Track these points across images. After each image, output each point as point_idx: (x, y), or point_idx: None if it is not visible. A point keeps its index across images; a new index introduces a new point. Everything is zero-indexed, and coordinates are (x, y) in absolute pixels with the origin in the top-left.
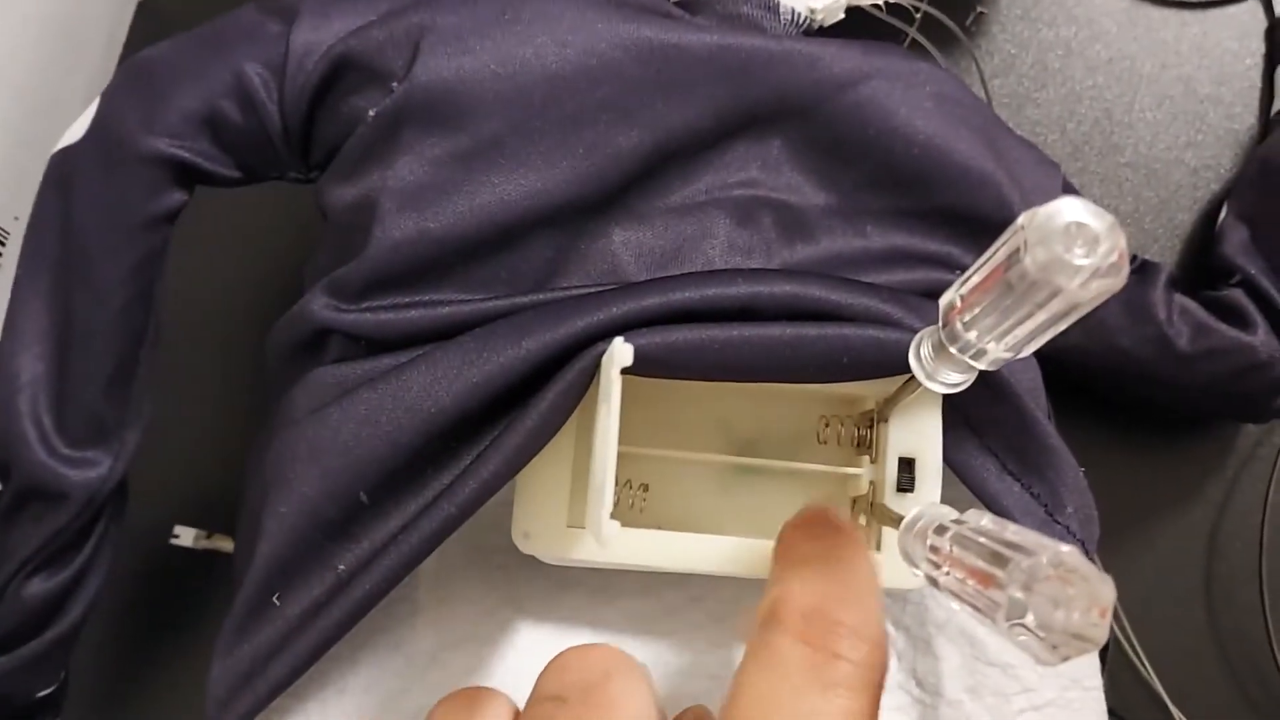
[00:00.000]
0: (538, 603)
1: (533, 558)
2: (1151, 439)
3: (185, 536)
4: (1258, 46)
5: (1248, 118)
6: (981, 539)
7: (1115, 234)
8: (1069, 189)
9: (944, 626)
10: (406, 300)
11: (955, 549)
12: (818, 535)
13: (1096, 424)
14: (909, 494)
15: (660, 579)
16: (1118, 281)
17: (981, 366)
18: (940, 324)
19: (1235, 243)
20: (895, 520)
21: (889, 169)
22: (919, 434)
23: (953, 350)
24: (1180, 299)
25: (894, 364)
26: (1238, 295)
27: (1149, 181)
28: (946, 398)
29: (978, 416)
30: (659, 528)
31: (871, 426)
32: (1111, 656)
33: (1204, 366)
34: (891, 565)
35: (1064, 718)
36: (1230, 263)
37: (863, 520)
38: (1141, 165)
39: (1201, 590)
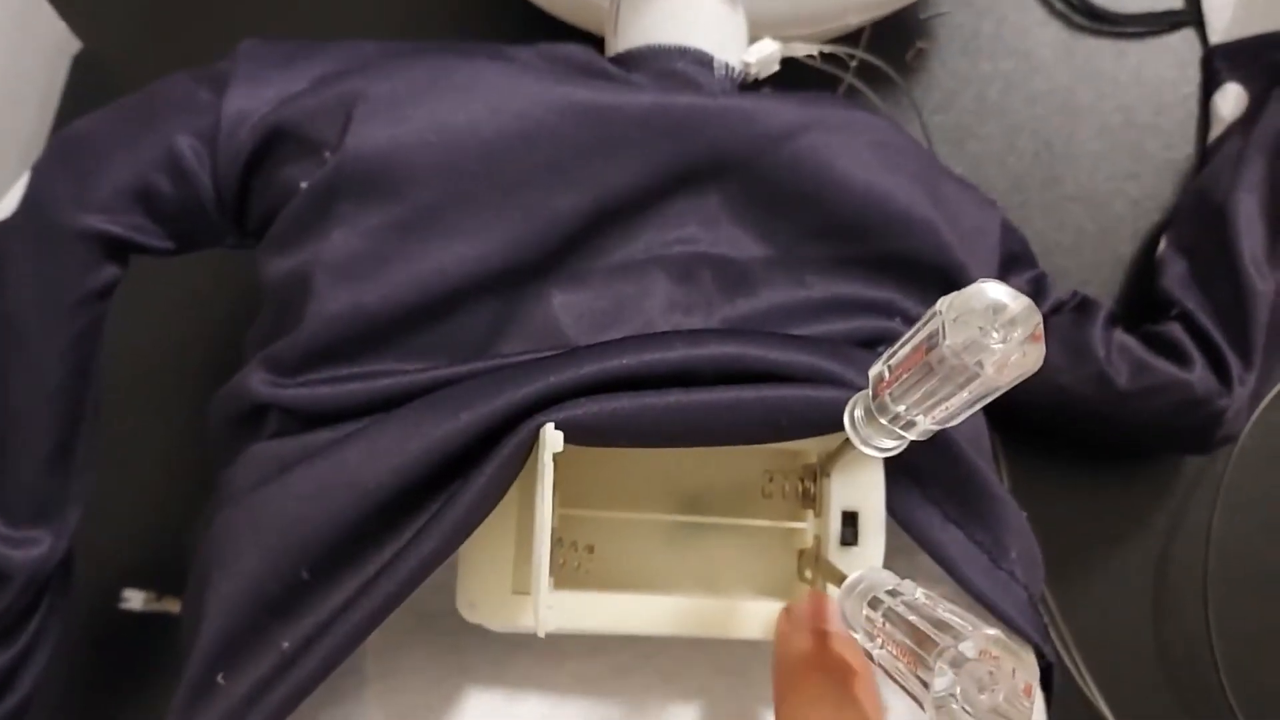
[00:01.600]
0: (486, 668)
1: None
2: (1097, 471)
3: (134, 600)
4: (1194, 75)
5: (1186, 147)
6: (912, 617)
7: (1032, 315)
8: (1007, 227)
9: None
10: (344, 373)
11: (888, 625)
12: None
13: (1043, 457)
14: (853, 548)
15: (610, 638)
16: (1035, 363)
17: (911, 437)
18: (870, 395)
19: (1173, 275)
20: (839, 578)
21: (828, 219)
22: (861, 487)
23: (882, 421)
24: (1119, 336)
25: (831, 424)
26: (1176, 330)
27: (1090, 213)
28: None
29: (919, 468)
30: (605, 588)
31: (815, 479)
32: (1059, 685)
33: (1143, 403)
34: None
35: None
36: (1169, 295)
37: (809, 574)
38: (1083, 196)
39: (1149, 617)
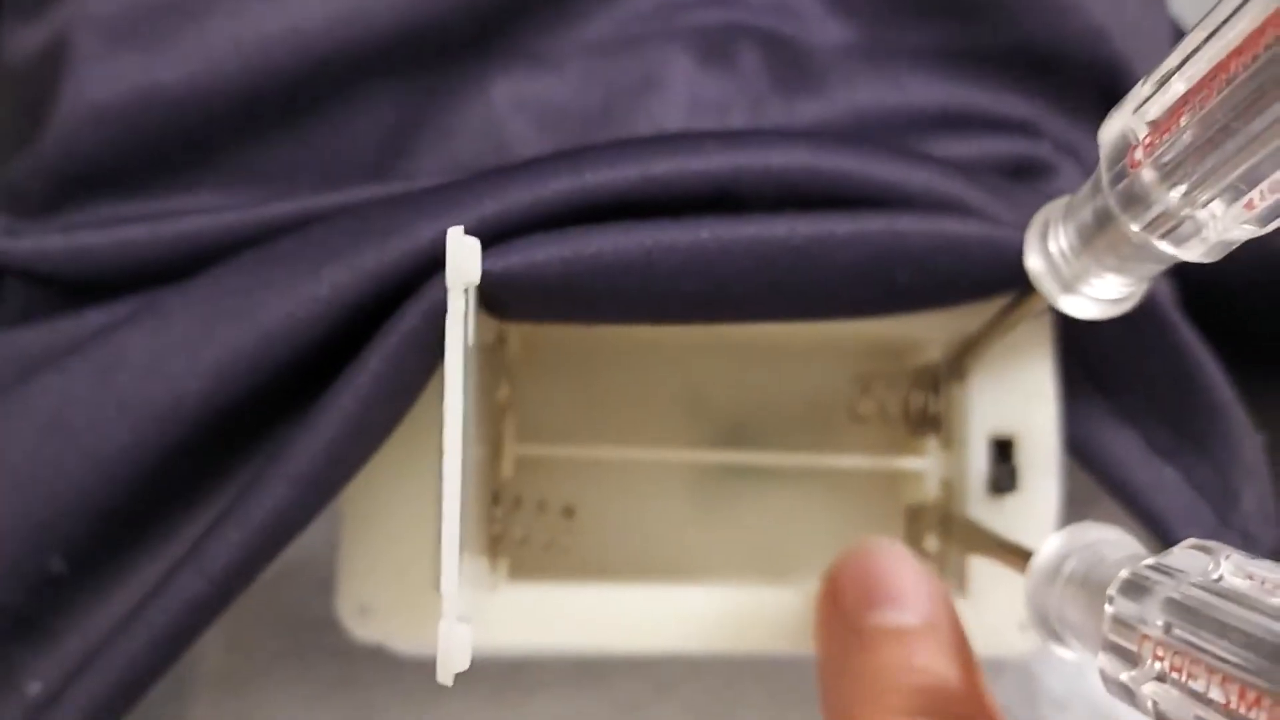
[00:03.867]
0: (403, 714)
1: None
2: None
3: None
4: None
5: None
6: (1246, 613)
7: None
8: (1179, 31)
9: (1066, 705)
10: (126, 210)
11: (1189, 633)
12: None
13: (1242, 374)
14: (1008, 496)
15: (607, 662)
16: None
17: (1188, 256)
18: (1106, 179)
19: None
20: (997, 546)
21: None
22: (1020, 397)
23: (1134, 226)
24: None
25: (986, 276)
26: None
27: None
28: (1063, 337)
29: (1108, 363)
30: (592, 577)
31: (937, 388)
32: None
33: None
34: (986, 620)
35: None
36: None
37: (931, 545)
38: None
39: None
